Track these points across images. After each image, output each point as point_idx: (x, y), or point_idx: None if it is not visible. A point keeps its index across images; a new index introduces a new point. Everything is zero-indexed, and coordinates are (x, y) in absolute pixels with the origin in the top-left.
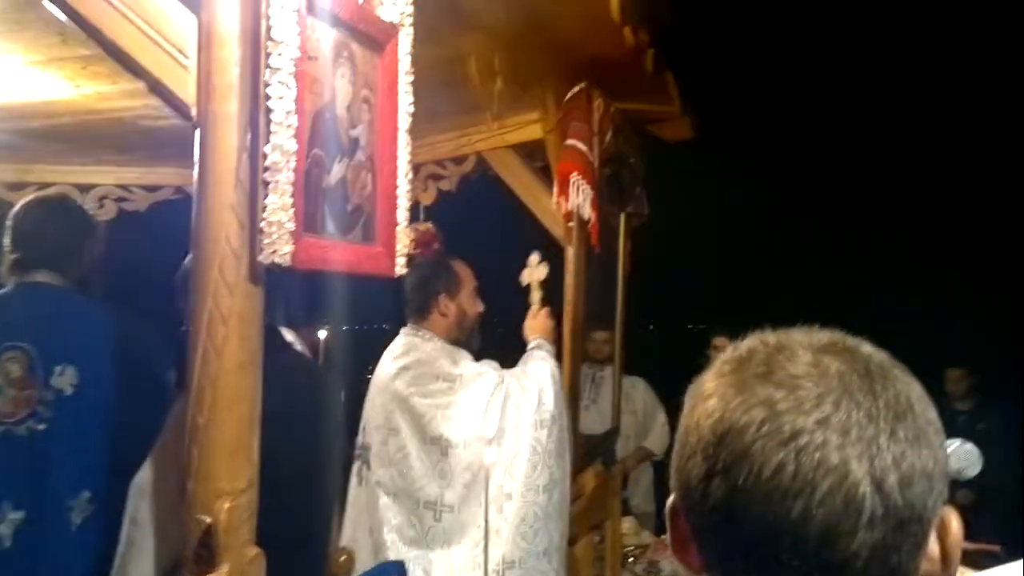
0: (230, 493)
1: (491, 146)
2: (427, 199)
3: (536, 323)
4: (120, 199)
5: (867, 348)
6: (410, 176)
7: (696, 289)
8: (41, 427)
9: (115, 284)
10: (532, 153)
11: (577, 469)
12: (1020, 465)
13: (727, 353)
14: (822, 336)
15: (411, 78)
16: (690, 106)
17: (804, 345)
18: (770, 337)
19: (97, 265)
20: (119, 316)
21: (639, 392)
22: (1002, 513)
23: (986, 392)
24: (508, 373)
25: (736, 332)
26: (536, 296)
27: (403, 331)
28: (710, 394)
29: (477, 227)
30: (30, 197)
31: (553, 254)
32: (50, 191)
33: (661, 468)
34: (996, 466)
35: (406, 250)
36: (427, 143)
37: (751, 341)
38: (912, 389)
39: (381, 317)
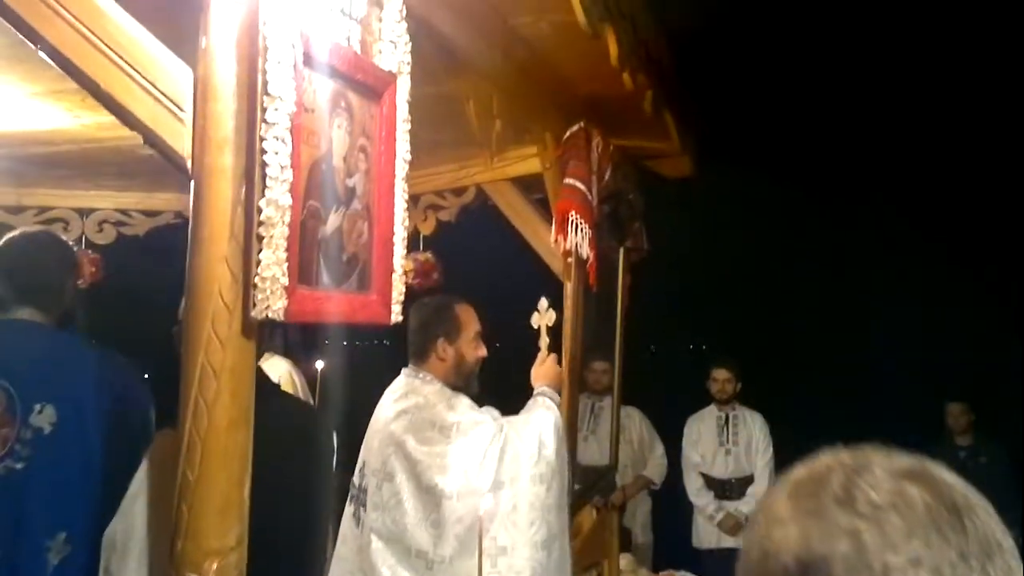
0: (219, 552)
1: (490, 178)
2: (427, 229)
3: (543, 370)
4: (119, 223)
5: (947, 476)
6: (407, 224)
7: (698, 312)
8: (19, 466)
9: (114, 307)
10: (531, 185)
11: (575, 506)
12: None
13: (799, 471)
14: (902, 460)
15: (408, 126)
16: (690, 143)
17: (884, 468)
18: (846, 456)
19: (79, 301)
20: (100, 354)
21: (634, 422)
22: None
23: (986, 428)
24: (508, 422)
25: (734, 360)
26: (544, 342)
27: (404, 371)
28: (785, 518)
29: (478, 256)
30: (12, 233)
31: (552, 285)
32: (33, 227)
33: (658, 498)
34: (998, 504)
35: (402, 297)
36: (427, 174)
37: (826, 459)
38: (994, 519)
39: (380, 333)
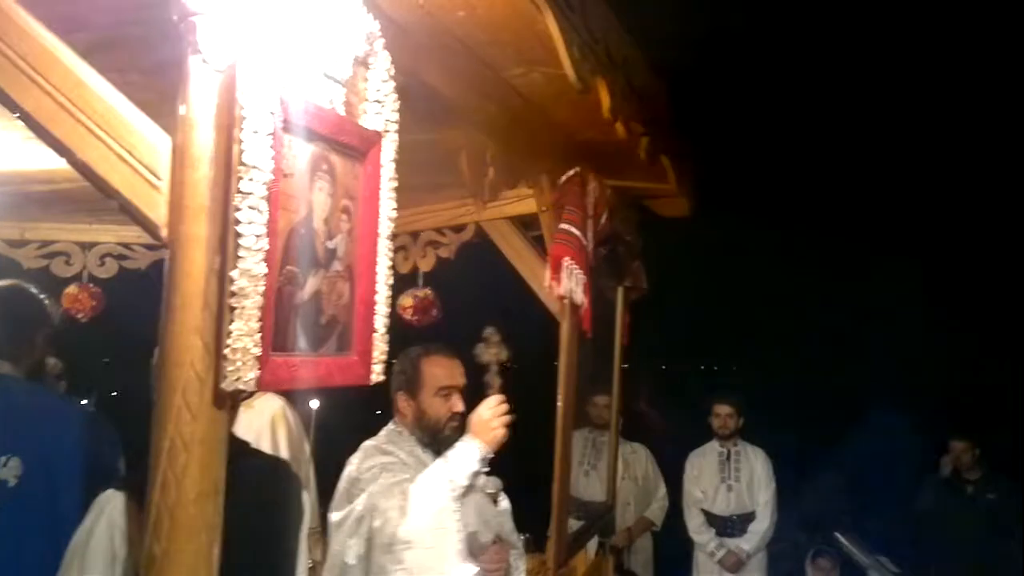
0: None
1: (489, 217)
2: (426, 266)
3: (473, 420)
4: (121, 257)
5: None
6: (391, 282)
7: (707, 332)
8: None
9: (115, 340)
10: (530, 222)
11: (574, 547)
12: None
13: None
14: None
15: (394, 184)
16: (687, 185)
17: None
18: None
19: (51, 353)
20: (68, 407)
21: (640, 459)
22: None
23: (993, 463)
24: (382, 492)
25: (737, 396)
26: (491, 381)
27: None
28: None
29: (477, 291)
30: None
31: (553, 321)
32: (3, 281)
33: (659, 535)
34: (1008, 539)
35: (384, 356)
36: (426, 211)
37: None
38: None
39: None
